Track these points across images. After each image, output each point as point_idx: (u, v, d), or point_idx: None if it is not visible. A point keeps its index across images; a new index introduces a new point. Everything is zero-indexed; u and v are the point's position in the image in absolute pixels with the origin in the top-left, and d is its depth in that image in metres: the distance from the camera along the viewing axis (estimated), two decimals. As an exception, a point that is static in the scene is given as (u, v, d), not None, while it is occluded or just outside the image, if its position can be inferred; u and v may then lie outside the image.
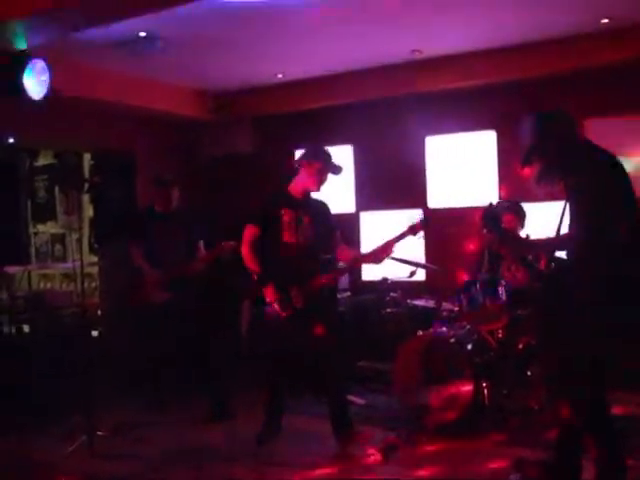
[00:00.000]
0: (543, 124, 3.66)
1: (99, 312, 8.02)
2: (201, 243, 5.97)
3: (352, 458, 4.60)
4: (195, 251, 5.91)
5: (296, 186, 4.89)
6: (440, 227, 6.82)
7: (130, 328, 6.09)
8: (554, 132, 3.61)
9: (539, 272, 3.79)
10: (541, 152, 3.60)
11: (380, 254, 4.76)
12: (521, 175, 3.90)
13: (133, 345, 6.25)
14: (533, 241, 3.88)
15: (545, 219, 5.50)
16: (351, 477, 4.31)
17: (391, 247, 4.73)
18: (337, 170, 4.84)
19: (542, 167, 3.60)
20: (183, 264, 5.76)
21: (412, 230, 4.73)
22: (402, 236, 4.74)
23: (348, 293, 6.88)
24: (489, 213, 3.72)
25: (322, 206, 4.99)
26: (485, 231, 3.67)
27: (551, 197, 3.71)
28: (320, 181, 4.84)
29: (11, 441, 5.18)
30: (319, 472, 4.38)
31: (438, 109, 6.95)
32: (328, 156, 4.84)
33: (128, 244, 5.88)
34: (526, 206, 5.57)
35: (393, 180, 7.26)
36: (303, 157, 4.86)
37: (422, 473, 4.30)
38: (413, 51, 6.41)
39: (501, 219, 4.39)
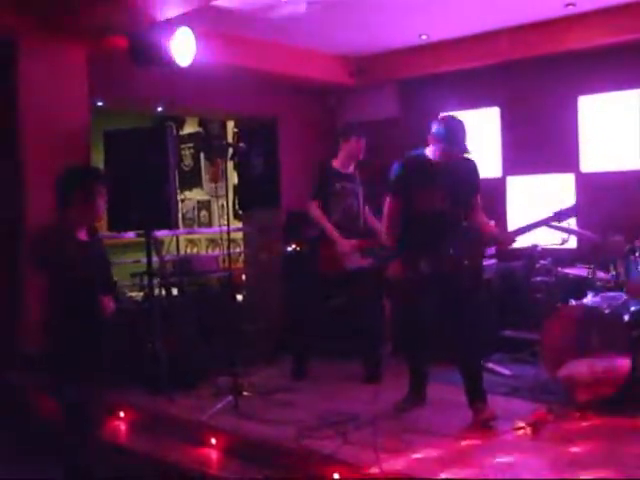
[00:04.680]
0: None
1: (243, 277, 8.21)
2: (367, 208, 5.81)
3: (499, 430, 4.41)
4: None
5: (431, 153, 4.65)
6: (593, 192, 6.49)
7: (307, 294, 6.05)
8: None
9: None
10: None
11: (510, 236, 4.55)
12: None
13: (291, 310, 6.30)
14: None
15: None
16: (499, 450, 4.15)
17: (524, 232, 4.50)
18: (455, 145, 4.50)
19: None
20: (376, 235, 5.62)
21: (558, 216, 4.44)
22: (544, 222, 4.47)
23: (495, 260, 6.65)
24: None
25: (465, 168, 4.70)
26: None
27: None
28: (437, 151, 4.57)
29: (160, 401, 5.34)
30: (466, 444, 4.25)
31: (592, 66, 6.56)
32: (449, 128, 4.50)
33: (311, 204, 5.64)
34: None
35: (542, 143, 6.91)
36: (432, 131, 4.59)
37: (575, 451, 4.06)
38: (567, 5, 6.04)
39: None
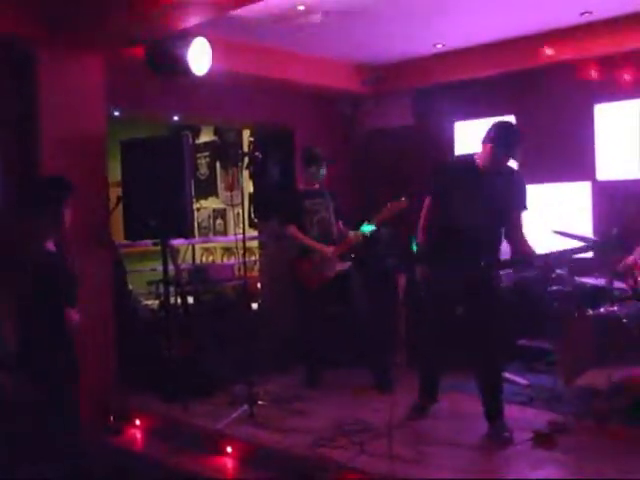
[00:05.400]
0: None
1: (259, 285, 8.22)
2: (340, 223, 5.99)
3: (514, 441, 4.39)
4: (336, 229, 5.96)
5: (480, 157, 4.52)
6: (610, 200, 6.45)
7: (301, 304, 6.15)
8: None
9: None
10: None
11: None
12: None
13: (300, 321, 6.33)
14: None
15: None
16: (515, 461, 4.14)
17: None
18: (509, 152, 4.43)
19: None
20: (347, 237, 5.80)
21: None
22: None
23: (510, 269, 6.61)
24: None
25: (512, 181, 4.55)
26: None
27: None
28: (490, 160, 4.44)
29: (176, 409, 5.35)
30: (479, 454, 4.24)
31: (609, 74, 6.51)
32: (502, 139, 4.39)
33: (285, 227, 5.93)
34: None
35: (558, 151, 6.85)
36: (485, 134, 4.47)
37: (592, 463, 4.02)
38: (583, 13, 6.02)
39: None
